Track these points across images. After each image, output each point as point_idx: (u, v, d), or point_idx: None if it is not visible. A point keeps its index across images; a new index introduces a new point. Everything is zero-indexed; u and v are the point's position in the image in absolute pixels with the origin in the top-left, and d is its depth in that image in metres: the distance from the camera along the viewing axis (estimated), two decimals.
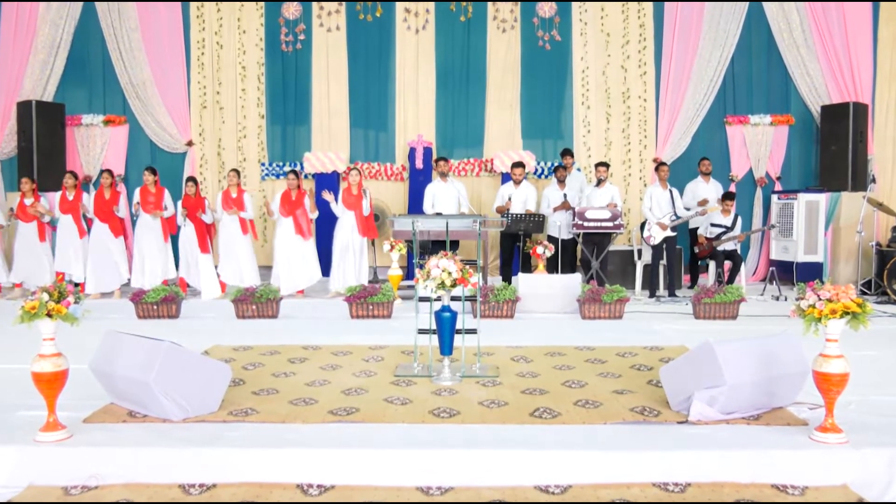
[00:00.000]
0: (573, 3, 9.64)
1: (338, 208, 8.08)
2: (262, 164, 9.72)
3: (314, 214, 8.19)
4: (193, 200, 7.98)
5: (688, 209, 8.45)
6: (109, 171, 8.24)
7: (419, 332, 4.59)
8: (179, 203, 8.02)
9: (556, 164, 8.82)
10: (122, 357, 3.58)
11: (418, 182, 9.33)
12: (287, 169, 9.30)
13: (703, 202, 8.52)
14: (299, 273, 8.00)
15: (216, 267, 8.12)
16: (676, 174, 8.83)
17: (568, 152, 8.95)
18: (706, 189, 8.74)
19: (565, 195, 8.33)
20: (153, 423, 3.50)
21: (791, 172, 9.71)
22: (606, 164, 8.39)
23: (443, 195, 8.43)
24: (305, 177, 9.59)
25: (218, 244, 8.15)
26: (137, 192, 8.09)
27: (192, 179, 8.10)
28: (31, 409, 3.58)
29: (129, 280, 8.14)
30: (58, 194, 8.18)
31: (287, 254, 7.98)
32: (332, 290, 8.06)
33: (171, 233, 8.20)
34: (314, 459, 3.08)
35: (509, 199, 8.30)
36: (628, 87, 9.66)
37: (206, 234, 8.09)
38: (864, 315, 3.10)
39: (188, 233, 8.00)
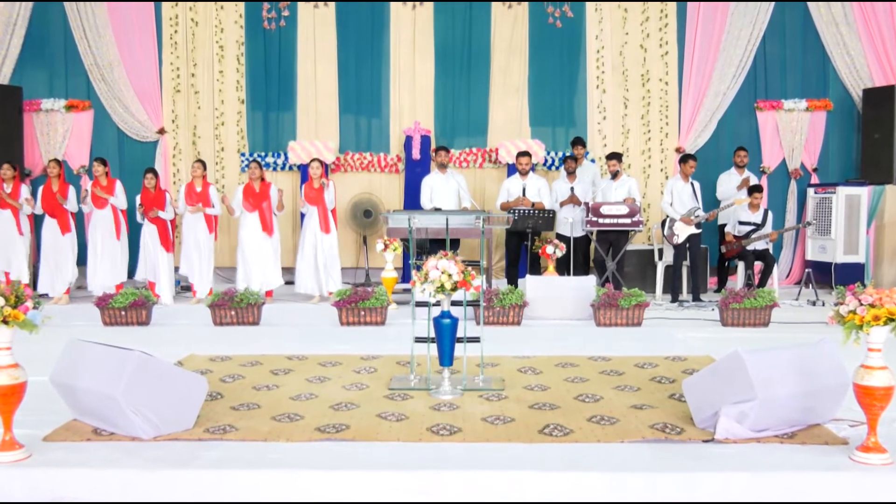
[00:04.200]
0: None
1: (302, 205, 8.11)
2: (242, 155, 9.71)
3: (282, 210, 8.19)
4: (153, 195, 7.97)
5: (719, 202, 8.46)
6: (57, 161, 8.26)
7: (416, 341, 4.59)
8: (137, 198, 8.01)
9: (566, 155, 8.81)
10: (87, 368, 3.58)
11: (415, 174, 9.32)
12: (249, 159, 9.28)
13: (745, 182, 8.51)
14: (267, 274, 8.00)
15: (177, 269, 8.13)
16: (701, 165, 8.81)
17: (579, 141, 8.94)
18: (740, 182, 8.75)
19: (572, 189, 8.32)
20: (121, 441, 3.49)
21: (829, 163, 9.71)
22: (619, 156, 8.37)
23: (441, 188, 8.43)
24: (290, 168, 9.60)
25: (180, 244, 8.15)
26: (90, 183, 8.08)
27: (151, 171, 8.09)
28: None
29: (73, 281, 8.15)
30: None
31: (253, 253, 7.97)
32: (312, 294, 8.05)
33: (127, 230, 8.21)
34: (299, 481, 3.08)
35: (523, 193, 8.26)
36: (648, 68, 9.65)
37: (168, 232, 8.08)
38: None
39: (149, 230, 8.01)
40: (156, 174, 8.09)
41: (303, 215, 8.44)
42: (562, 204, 8.34)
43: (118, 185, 8.14)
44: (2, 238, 8.09)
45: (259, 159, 8.73)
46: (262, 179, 8.10)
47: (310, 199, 8.04)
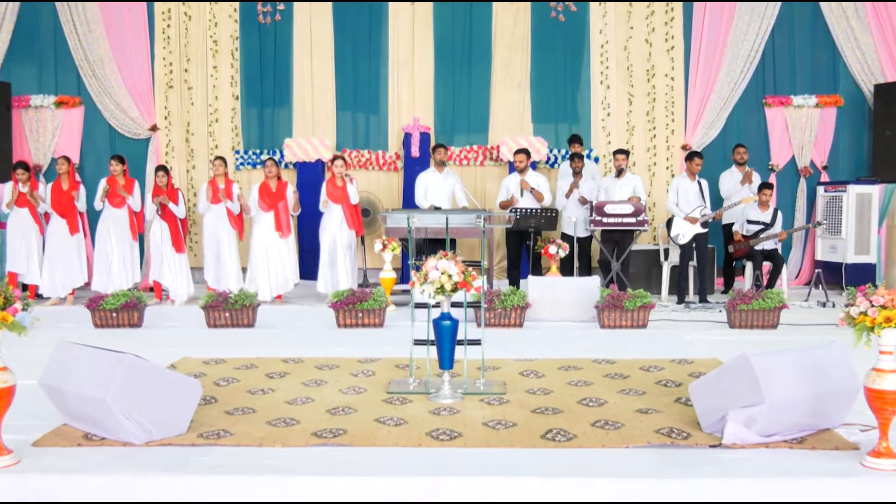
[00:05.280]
0: None
1: (323, 203, 8.10)
2: (237, 152, 9.72)
3: (297, 211, 8.19)
4: (165, 193, 7.95)
5: (723, 201, 8.46)
6: (67, 158, 8.24)
7: (415, 343, 4.59)
8: (148, 195, 8.01)
9: (571, 154, 8.81)
10: (77, 372, 3.58)
11: (414, 172, 9.30)
12: (265, 157, 9.30)
13: (749, 175, 8.50)
14: (280, 276, 8.00)
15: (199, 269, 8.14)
16: (708, 162, 8.81)
17: (576, 139, 8.93)
18: (742, 178, 8.75)
19: (577, 184, 8.32)
20: (112, 446, 3.50)
21: (839, 161, 9.71)
22: (626, 152, 8.39)
23: (437, 186, 8.42)
24: (286, 166, 9.60)
25: (202, 243, 8.13)
26: (104, 182, 8.04)
27: (162, 168, 8.09)
28: None
29: (87, 282, 8.14)
30: (6, 186, 8.18)
31: (266, 254, 7.98)
32: (324, 293, 8.05)
33: (140, 231, 8.22)
34: (295, 488, 3.08)
35: (526, 189, 8.26)
36: (653, 63, 9.65)
37: (180, 231, 8.08)
38: None
39: (159, 229, 7.98)
40: (167, 171, 8.07)
41: (302, 215, 8.43)
42: (567, 194, 8.31)
43: (136, 187, 8.11)
44: (20, 237, 8.07)
45: (272, 157, 8.68)
46: (279, 178, 8.09)
47: (333, 198, 8.02)
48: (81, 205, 8.12)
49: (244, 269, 8.23)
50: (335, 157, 8.14)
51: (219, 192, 7.98)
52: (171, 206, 7.92)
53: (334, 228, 8.03)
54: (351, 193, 8.02)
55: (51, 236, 8.07)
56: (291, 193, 8.07)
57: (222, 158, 8.19)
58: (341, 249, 8.01)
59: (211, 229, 8.07)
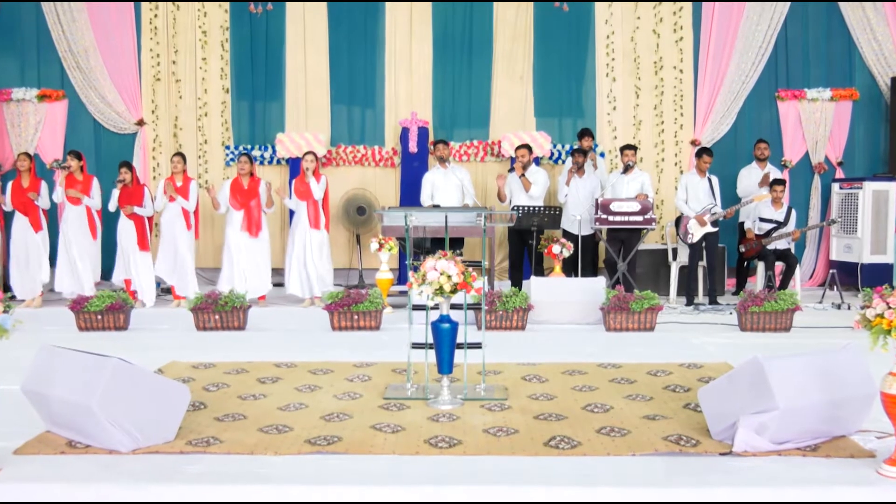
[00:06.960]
0: None
1: (290, 201, 8.14)
2: (227, 148, 9.72)
3: (271, 207, 8.20)
4: (131, 189, 7.97)
5: (739, 199, 8.47)
6: (27, 154, 8.29)
7: (413, 347, 4.59)
8: (115, 192, 8.01)
9: (573, 148, 8.80)
10: (61, 376, 3.58)
11: (412, 169, 9.33)
12: (254, 152, 9.31)
13: (766, 177, 8.51)
14: (253, 276, 8.01)
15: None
16: (719, 158, 8.82)
17: (587, 133, 8.94)
18: (761, 179, 8.77)
19: (576, 172, 8.34)
20: (97, 454, 3.50)
21: (855, 156, 9.72)
22: (634, 148, 8.40)
23: (443, 185, 8.43)
24: (279, 162, 9.60)
25: (158, 241, 8.15)
26: (62, 177, 8.04)
27: (126, 165, 8.11)
28: None
29: (50, 282, 8.17)
30: None
31: (238, 254, 7.98)
32: (302, 296, 8.05)
33: (101, 228, 8.24)
34: (288, 497, 3.09)
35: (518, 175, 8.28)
36: (661, 55, 9.66)
37: (146, 229, 8.09)
38: None
39: (126, 227, 8.00)
40: (130, 167, 8.08)
41: (291, 212, 8.44)
42: (568, 181, 8.31)
43: (94, 184, 8.14)
44: None
45: (247, 152, 8.70)
46: (252, 175, 8.10)
47: (299, 194, 8.04)
48: (44, 202, 8.16)
49: (215, 269, 8.20)
50: (307, 153, 8.13)
51: (173, 189, 7.98)
52: (136, 210, 7.94)
53: (303, 227, 8.03)
54: (314, 189, 7.99)
55: (14, 235, 8.12)
56: (263, 190, 8.06)
57: (181, 154, 8.23)
58: (315, 249, 7.99)
59: (169, 227, 8.07)
